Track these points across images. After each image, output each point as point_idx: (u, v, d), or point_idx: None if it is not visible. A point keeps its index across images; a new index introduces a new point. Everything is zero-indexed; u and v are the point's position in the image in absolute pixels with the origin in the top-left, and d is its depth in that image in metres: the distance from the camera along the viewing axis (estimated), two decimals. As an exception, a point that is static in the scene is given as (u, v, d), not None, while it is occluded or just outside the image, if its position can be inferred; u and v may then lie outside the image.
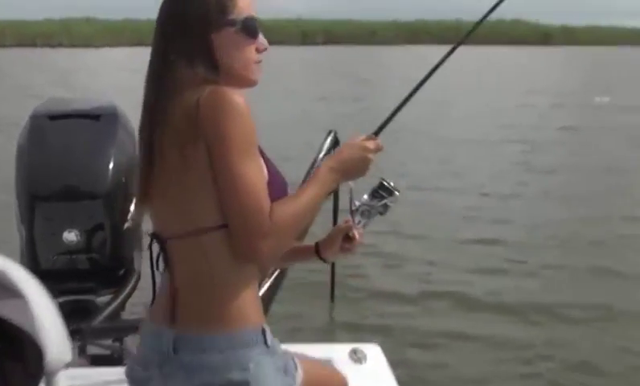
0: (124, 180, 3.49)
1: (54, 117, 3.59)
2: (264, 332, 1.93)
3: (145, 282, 2.26)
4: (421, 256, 7.65)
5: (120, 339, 3.52)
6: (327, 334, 5.77)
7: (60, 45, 63.48)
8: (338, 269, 5.39)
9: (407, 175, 10.61)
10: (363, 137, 2.12)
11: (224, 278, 1.90)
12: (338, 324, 5.98)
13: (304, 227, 2.00)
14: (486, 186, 10.86)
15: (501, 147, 14.51)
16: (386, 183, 2.21)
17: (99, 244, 3.48)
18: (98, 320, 3.42)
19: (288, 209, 1.88)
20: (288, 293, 4.60)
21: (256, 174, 1.84)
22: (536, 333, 5.83)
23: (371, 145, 2.09)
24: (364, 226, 2.21)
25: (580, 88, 27.41)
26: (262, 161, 1.92)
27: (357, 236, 2.21)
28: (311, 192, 1.95)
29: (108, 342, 3.52)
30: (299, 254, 2.30)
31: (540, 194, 10.56)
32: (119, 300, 3.52)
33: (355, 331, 5.66)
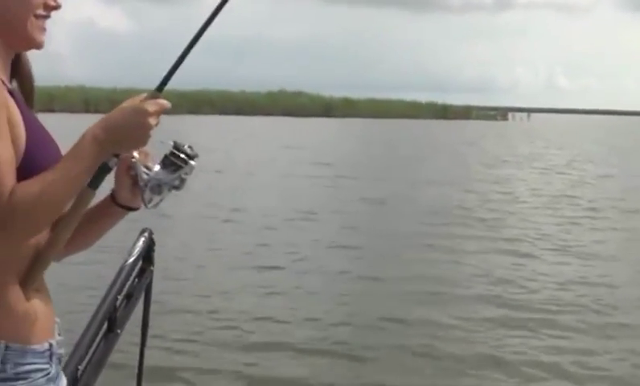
0: None
1: None
2: (50, 352, 1.68)
3: None
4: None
5: None
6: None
7: None
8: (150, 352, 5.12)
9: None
10: (142, 96, 1.72)
11: None
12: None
13: (58, 207, 1.65)
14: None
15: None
16: (180, 149, 1.83)
17: None
18: None
19: (34, 189, 1.58)
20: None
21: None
22: None
23: (150, 106, 1.68)
24: (156, 204, 1.86)
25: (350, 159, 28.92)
26: (16, 129, 1.63)
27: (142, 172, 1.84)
28: (66, 168, 1.62)
29: None
30: (97, 216, 1.90)
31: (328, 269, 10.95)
32: None
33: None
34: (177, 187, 1.83)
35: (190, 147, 1.83)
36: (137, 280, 2.41)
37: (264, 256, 10.85)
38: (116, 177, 1.85)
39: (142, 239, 2.42)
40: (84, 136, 1.65)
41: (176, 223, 12.63)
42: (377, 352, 7.04)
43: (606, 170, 27.53)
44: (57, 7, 1.76)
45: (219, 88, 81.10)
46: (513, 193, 19.72)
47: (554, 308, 8.64)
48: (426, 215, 15.18)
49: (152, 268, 2.46)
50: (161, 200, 1.85)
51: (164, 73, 1.77)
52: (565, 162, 31.32)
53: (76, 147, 1.64)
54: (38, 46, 1.75)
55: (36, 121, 1.74)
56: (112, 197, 1.89)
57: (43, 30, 1.75)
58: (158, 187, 1.82)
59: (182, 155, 1.82)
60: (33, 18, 1.71)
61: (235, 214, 14.63)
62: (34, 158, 1.63)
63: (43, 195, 1.58)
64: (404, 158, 30.01)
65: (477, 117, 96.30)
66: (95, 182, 1.70)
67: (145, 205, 1.85)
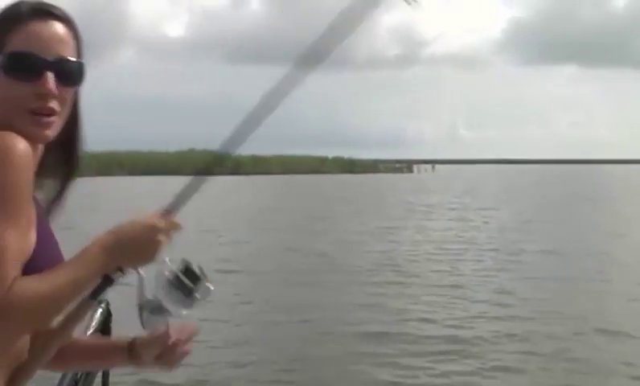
0: None
1: None
2: None
3: None
4: None
5: None
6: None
7: None
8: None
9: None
10: (155, 212, 1.67)
11: None
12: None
13: (57, 309, 1.58)
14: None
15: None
16: (190, 268, 1.69)
17: None
18: None
19: (36, 286, 1.50)
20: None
21: (7, 238, 1.48)
22: None
23: (161, 223, 1.64)
24: (154, 329, 1.73)
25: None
26: (31, 229, 1.58)
27: (178, 344, 1.79)
28: (72, 272, 1.55)
29: None
30: (96, 354, 1.87)
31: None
32: None
33: None
34: (185, 308, 1.68)
35: (199, 268, 1.69)
36: None
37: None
38: (150, 345, 1.81)
39: (99, 310, 2.33)
40: (93, 243, 1.59)
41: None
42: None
43: (498, 213, 29.13)
44: (49, 96, 1.63)
45: (128, 149, 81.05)
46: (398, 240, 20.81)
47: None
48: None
49: None
50: (161, 323, 1.71)
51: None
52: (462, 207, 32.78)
53: (84, 253, 1.58)
54: (40, 141, 1.64)
55: (48, 223, 1.72)
56: (131, 352, 1.84)
57: (45, 124, 1.63)
58: (159, 309, 1.68)
59: (196, 274, 1.69)
60: (27, 115, 1.61)
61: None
62: (36, 258, 1.56)
63: (44, 294, 1.50)
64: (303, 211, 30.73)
65: (384, 171, 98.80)
66: (96, 294, 1.62)
67: (143, 326, 1.71)
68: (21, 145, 1.52)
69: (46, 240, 1.63)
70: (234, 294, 12.14)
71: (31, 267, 1.53)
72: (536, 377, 8.11)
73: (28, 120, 1.61)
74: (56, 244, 1.68)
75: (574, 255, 17.64)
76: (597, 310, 11.48)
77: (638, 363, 8.59)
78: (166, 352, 1.79)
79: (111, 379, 2.49)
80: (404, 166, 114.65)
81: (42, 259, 1.56)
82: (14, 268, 1.48)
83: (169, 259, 1.68)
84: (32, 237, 1.57)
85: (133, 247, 1.60)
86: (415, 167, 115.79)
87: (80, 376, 2.23)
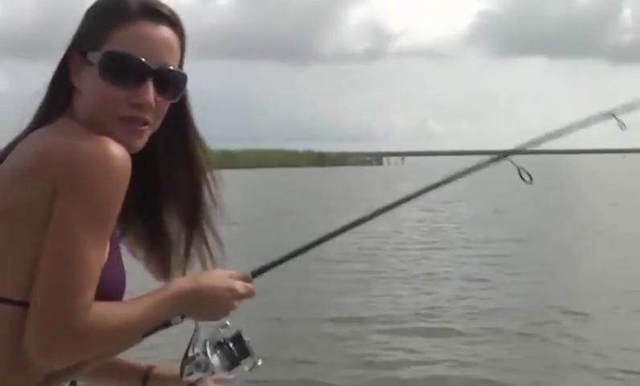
0: None
1: None
2: None
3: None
4: None
5: None
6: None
7: None
8: None
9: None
10: (236, 273, 1.63)
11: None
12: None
13: (121, 344, 1.51)
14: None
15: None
16: (242, 339, 1.69)
17: None
18: None
19: (115, 316, 1.42)
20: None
21: (93, 258, 1.38)
22: None
23: (241, 288, 1.60)
24: (192, 381, 1.70)
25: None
26: (107, 244, 1.47)
27: None
28: (146, 310, 1.46)
29: None
30: (116, 374, 1.79)
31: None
32: None
33: None
34: (222, 373, 1.69)
35: (249, 342, 1.70)
36: None
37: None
38: (165, 378, 1.80)
39: None
40: (172, 285, 1.54)
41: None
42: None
43: (467, 204, 29.31)
44: (146, 107, 1.49)
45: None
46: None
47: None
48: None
49: None
50: (197, 379, 1.69)
51: None
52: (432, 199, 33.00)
53: (160, 293, 1.51)
54: (130, 150, 1.46)
55: (118, 245, 1.59)
56: (146, 377, 1.81)
57: (137, 133, 1.50)
58: (205, 366, 1.66)
59: (245, 346, 1.69)
60: (118, 121, 1.47)
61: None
62: (101, 280, 1.43)
63: (122, 329, 1.43)
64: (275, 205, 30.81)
65: (354, 163, 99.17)
66: (149, 333, 1.51)
67: (181, 375, 1.68)
68: (121, 155, 1.40)
69: (114, 264, 1.51)
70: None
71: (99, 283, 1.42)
72: (507, 362, 8.16)
73: (119, 126, 1.47)
74: (122, 271, 1.56)
75: (543, 243, 17.76)
76: (566, 294, 11.61)
77: (605, 344, 8.71)
78: None
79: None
80: (374, 158, 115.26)
81: (105, 282, 1.43)
82: (91, 293, 1.38)
83: (229, 323, 1.67)
84: (105, 257, 1.45)
85: (208, 304, 1.55)
86: (384, 160, 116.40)
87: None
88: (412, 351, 8.70)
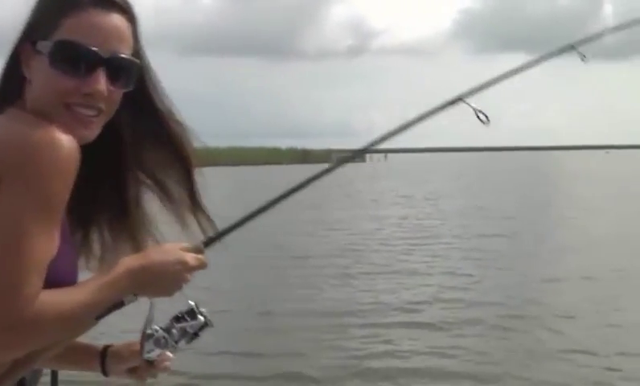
0: None
1: None
2: None
3: None
4: None
5: None
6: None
7: None
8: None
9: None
10: (187, 245, 1.60)
11: None
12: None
13: (74, 328, 1.49)
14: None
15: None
16: (198, 309, 1.71)
17: None
18: None
19: (62, 303, 1.39)
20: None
21: (39, 247, 1.36)
22: None
23: (192, 260, 1.57)
24: (153, 358, 1.72)
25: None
26: (57, 238, 1.43)
27: (159, 364, 1.75)
28: (96, 293, 1.45)
29: None
30: (73, 357, 1.78)
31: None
32: None
33: None
34: (186, 341, 1.71)
35: (205, 312, 1.71)
36: None
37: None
38: (124, 353, 1.80)
39: None
40: (120, 265, 1.50)
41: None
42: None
43: (450, 200, 29.40)
44: (97, 96, 1.47)
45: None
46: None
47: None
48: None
49: None
50: (160, 354, 1.71)
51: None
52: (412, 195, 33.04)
53: (108, 275, 1.48)
54: (80, 141, 1.44)
55: (70, 234, 1.55)
56: (103, 356, 1.80)
57: (86, 122, 1.47)
58: (164, 341, 1.68)
59: (200, 317, 1.70)
60: (66, 111, 1.45)
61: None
62: (50, 269, 1.40)
63: (66, 311, 1.39)
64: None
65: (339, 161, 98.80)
66: (103, 315, 1.48)
67: (142, 355, 1.70)
68: (69, 143, 1.37)
69: (65, 253, 1.47)
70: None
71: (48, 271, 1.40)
72: (488, 354, 8.23)
73: (67, 115, 1.45)
74: (75, 260, 1.54)
75: (525, 238, 17.86)
76: (549, 290, 11.71)
77: (585, 337, 8.81)
78: (141, 367, 1.76)
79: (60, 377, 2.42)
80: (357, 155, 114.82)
81: (56, 271, 1.41)
82: (38, 282, 1.35)
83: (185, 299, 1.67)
84: (56, 247, 1.42)
85: (159, 280, 1.53)
86: (367, 157, 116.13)
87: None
88: (393, 343, 8.78)
